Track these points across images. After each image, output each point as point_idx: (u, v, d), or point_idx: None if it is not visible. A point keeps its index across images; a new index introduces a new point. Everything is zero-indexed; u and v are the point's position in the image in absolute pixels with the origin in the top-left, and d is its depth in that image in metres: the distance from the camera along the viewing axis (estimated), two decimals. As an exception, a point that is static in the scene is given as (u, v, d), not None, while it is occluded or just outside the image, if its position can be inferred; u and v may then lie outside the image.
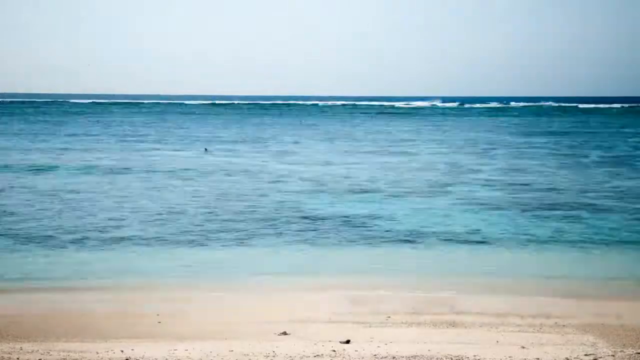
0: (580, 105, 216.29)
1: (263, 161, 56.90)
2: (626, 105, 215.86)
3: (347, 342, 15.01)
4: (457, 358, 13.91)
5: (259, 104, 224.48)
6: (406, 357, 13.97)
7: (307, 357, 13.98)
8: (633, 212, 34.84)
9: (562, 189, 41.99)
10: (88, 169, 50.34)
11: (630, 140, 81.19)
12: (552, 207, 35.56)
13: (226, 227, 30.64)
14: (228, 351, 14.34)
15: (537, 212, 34.30)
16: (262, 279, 22.49)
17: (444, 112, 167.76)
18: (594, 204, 36.76)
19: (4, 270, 23.44)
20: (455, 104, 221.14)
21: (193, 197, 38.66)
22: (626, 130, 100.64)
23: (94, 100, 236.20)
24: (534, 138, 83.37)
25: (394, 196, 39.29)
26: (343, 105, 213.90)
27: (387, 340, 15.20)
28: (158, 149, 66.85)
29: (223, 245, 27.59)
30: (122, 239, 28.27)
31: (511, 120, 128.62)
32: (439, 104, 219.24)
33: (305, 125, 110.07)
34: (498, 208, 35.68)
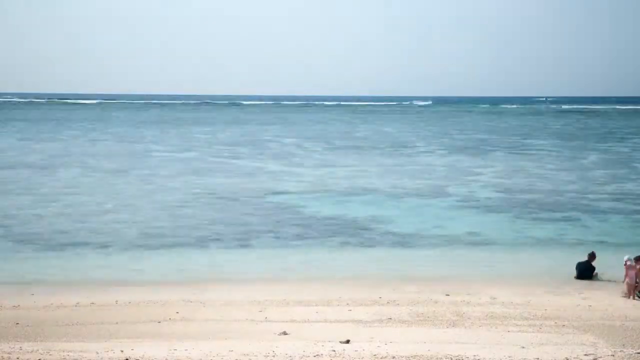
0: (580, 106, 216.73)
1: (262, 163, 56.92)
2: (626, 106, 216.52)
3: (347, 342, 15.01)
4: (457, 358, 13.91)
5: (259, 104, 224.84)
6: (406, 357, 13.96)
7: (307, 357, 13.97)
8: (632, 213, 34.86)
9: (561, 191, 42.01)
10: (86, 169, 50.35)
11: (630, 141, 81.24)
12: (552, 208, 35.58)
13: (226, 229, 30.65)
14: (228, 351, 14.33)
15: (537, 214, 34.32)
16: (261, 279, 22.49)
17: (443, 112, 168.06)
18: (594, 206, 36.79)
19: (4, 270, 23.44)
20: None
21: (192, 198, 38.66)
22: (625, 130, 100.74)
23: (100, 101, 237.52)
24: (534, 139, 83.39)
25: (394, 197, 39.30)
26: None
27: (387, 340, 15.20)
28: (158, 150, 66.87)
29: (222, 247, 27.60)
30: (122, 240, 28.28)
31: (510, 121, 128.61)
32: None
33: (305, 125, 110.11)
34: (498, 209, 35.70)
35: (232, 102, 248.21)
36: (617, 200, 38.70)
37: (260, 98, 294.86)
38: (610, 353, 14.27)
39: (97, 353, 14.22)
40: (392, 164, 56.46)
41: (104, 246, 27.16)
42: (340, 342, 15.03)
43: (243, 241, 28.33)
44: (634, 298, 20.44)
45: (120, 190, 41.46)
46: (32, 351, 14.33)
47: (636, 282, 20.68)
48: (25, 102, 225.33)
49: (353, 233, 29.80)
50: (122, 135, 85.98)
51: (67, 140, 77.63)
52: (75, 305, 18.84)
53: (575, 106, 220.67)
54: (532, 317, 17.41)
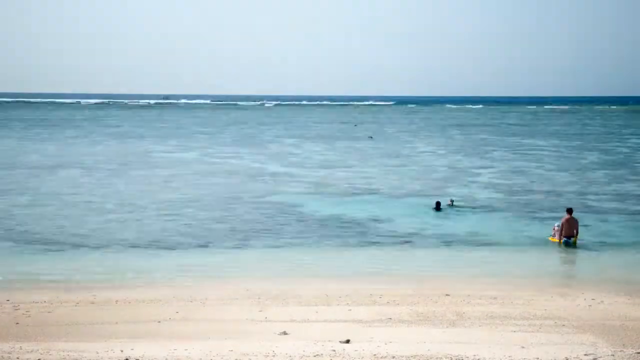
0: (580, 106, 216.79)
1: (262, 163, 56.93)
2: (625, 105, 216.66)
3: (347, 342, 15.03)
4: (457, 358, 13.93)
5: (258, 104, 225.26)
6: (406, 357, 13.98)
7: (307, 357, 13.99)
8: (632, 213, 34.87)
9: (561, 191, 42.02)
10: (87, 170, 50.37)
11: (630, 141, 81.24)
12: (552, 209, 35.57)
13: (226, 229, 30.65)
14: (228, 351, 14.35)
15: (536, 214, 34.33)
16: (261, 279, 22.49)
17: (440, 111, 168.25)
18: (594, 206, 36.79)
19: (5, 270, 23.44)
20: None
21: (192, 199, 38.67)
22: (625, 131, 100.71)
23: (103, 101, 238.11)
24: (533, 139, 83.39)
25: (394, 198, 39.32)
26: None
27: (387, 340, 15.22)
28: (158, 150, 66.88)
29: (223, 247, 27.59)
30: (122, 240, 28.28)
31: (509, 122, 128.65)
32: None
33: (309, 126, 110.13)
34: (498, 210, 35.71)
35: (231, 103, 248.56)
36: (617, 200, 38.71)
37: (260, 98, 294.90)
38: (610, 353, 14.29)
39: (97, 353, 14.24)
40: (392, 164, 56.50)
41: (104, 246, 27.16)
42: (340, 342, 15.05)
43: (243, 241, 28.33)
44: (560, 244, 27.40)
45: (120, 190, 41.48)
46: (32, 351, 14.35)
47: (561, 231, 27.49)
48: (25, 103, 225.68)
49: (353, 233, 29.80)
50: (122, 136, 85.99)
51: (66, 140, 77.70)
52: (75, 305, 18.85)
53: (574, 106, 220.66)
54: (532, 317, 17.41)
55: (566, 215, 27.82)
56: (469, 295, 19.82)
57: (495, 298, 19.59)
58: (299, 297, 19.73)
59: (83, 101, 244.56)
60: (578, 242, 27.51)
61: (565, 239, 27.48)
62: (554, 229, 28.31)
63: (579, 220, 28.12)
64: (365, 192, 41.09)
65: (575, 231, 27.53)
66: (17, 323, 16.95)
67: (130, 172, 49.82)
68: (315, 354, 14.12)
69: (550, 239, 28.34)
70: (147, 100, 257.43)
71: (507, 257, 25.99)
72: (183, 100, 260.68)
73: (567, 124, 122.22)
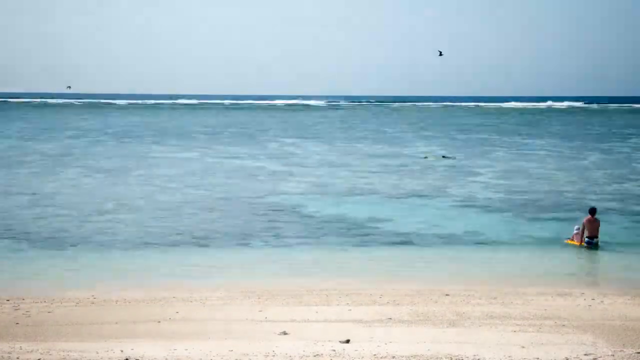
0: (580, 105, 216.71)
1: (262, 163, 56.93)
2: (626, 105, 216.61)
3: (347, 342, 15.03)
4: (457, 358, 13.94)
5: (256, 104, 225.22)
6: (406, 356, 13.99)
7: (307, 357, 14.00)
8: (632, 213, 34.85)
9: (561, 191, 42.01)
10: (87, 170, 50.37)
11: (630, 141, 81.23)
12: (552, 208, 35.58)
13: (226, 229, 30.65)
14: (228, 351, 14.36)
15: (536, 214, 34.33)
16: (261, 279, 22.50)
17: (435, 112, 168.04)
18: (594, 206, 36.76)
19: (4, 270, 23.46)
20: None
21: (192, 198, 38.67)
22: (626, 130, 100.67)
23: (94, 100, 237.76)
24: (533, 139, 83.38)
25: (394, 198, 39.30)
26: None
27: (387, 340, 15.22)
28: (157, 150, 66.87)
29: (223, 247, 27.59)
30: (122, 240, 28.29)
31: (509, 121, 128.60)
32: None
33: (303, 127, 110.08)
34: (498, 209, 35.71)
35: (230, 103, 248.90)
36: (617, 200, 38.70)
37: (257, 98, 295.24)
38: (610, 353, 14.29)
39: (97, 353, 14.25)
40: (392, 164, 56.49)
41: (104, 246, 27.16)
42: (340, 342, 15.05)
43: (243, 241, 28.33)
44: (580, 246, 26.93)
45: (120, 190, 41.48)
46: (32, 351, 14.35)
47: (582, 232, 26.89)
48: (24, 103, 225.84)
49: (353, 233, 29.80)
50: (121, 136, 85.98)
51: (66, 141, 77.70)
52: (75, 305, 18.86)
53: (573, 104, 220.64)
54: (532, 317, 17.42)
55: (588, 216, 27.17)
56: (469, 295, 19.84)
57: (495, 298, 19.60)
58: (299, 297, 19.74)
59: (83, 101, 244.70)
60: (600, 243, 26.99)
61: (587, 239, 26.92)
62: (575, 231, 27.53)
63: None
64: (365, 192, 41.08)
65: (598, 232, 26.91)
66: (17, 323, 16.95)
67: (130, 172, 49.83)
68: (315, 354, 14.12)
69: (567, 241, 27.71)
70: (147, 101, 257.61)
71: (507, 257, 26.00)
72: (182, 101, 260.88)
73: (567, 124, 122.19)
